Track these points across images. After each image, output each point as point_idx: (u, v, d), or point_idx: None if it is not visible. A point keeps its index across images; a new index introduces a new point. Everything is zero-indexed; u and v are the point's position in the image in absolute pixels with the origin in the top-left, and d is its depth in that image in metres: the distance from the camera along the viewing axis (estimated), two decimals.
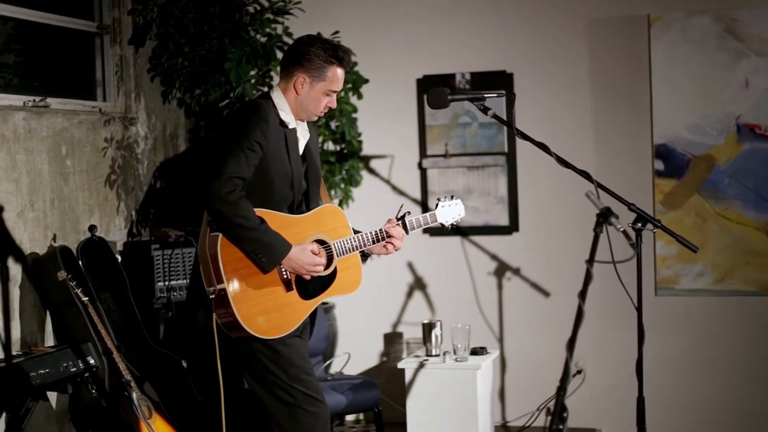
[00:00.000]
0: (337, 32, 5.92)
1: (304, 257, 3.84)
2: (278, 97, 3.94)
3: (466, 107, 5.99)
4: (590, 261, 2.85)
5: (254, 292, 3.81)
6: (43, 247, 4.85)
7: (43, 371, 4.26)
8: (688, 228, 5.64)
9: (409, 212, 4.18)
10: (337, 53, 3.93)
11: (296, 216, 3.95)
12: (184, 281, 5.37)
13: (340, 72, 3.95)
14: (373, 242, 4.07)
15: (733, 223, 5.64)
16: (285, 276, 3.86)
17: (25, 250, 4.75)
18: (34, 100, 4.96)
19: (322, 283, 3.95)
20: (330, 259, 3.95)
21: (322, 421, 3.95)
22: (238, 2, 5.82)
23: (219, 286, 3.75)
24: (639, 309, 3.86)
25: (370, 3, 6.22)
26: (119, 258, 5.28)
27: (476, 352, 5.52)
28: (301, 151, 3.99)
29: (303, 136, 4.01)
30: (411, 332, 6.17)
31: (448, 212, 4.29)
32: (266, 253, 3.76)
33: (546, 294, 5.99)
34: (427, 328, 5.53)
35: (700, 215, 5.68)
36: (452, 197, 4.33)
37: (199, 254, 3.89)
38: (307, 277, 3.88)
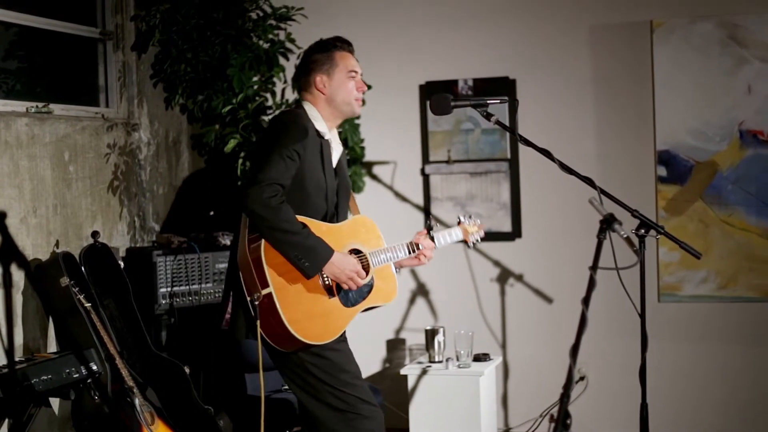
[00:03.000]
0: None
1: (347, 263, 3.79)
2: (309, 108, 3.94)
3: (469, 113, 5.99)
4: (593, 267, 2.85)
5: (299, 298, 3.74)
6: (46, 253, 4.85)
7: (45, 377, 4.25)
8: (691, 234, 5.63)
9: (438, 224, 4.19)
10: (333, 42, 3.99)
11: (333, 225, 3.91)
12: (187, 287, 5.37)
13: (346, 54, 3.98)
14: (407, 253, 4.08)
15: (736, 230, 5.63)
16: (327, 283, 3.81)
17: (27, 256, 4.75)
18: (37, 106, 4.97)
19: (361, 293, 3.91)
20: (366, 269, 3.92)
21: (379, 424, 3.88)
22: (241, 8, 5.82)
23: (264, 291, 3.68)
24: (642, 315, 3.85)
25: (372, 9, 6.22)
26: (122, 264, 5.28)
27: (479, 358, 5.51)
28: (334, 164, 3.97)
29: (336, 150, 3.99)
30: (414, 338, 6.16)
31: (471, 230, 4.33)
32: (310, 257, 3.69)
33: (549, 300, 5.98)
34: (430, 334, 5.53)
35: (703, 221, 5.68)
36: (470, 217, 4.38)
37: (239, 262, 3.81)
38: (345, 287, 3.82)
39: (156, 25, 5.63)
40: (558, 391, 2.73)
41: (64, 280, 4.55)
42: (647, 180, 5.77)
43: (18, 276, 4.66)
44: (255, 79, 5.84)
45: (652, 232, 3.84)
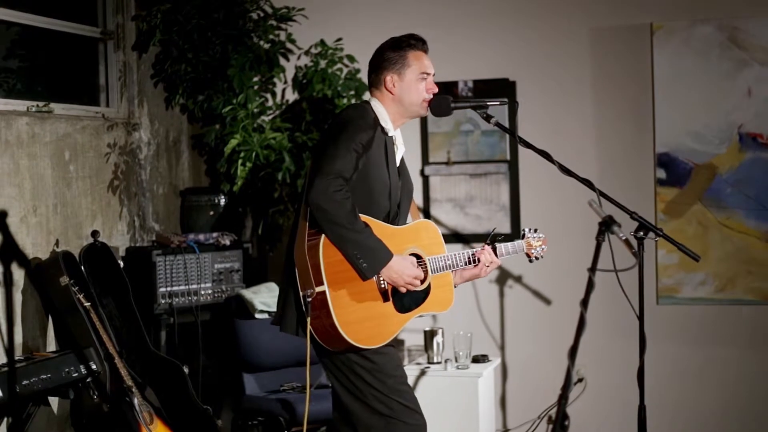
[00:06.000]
0: (340, 39, 5.94)
1: (405, 267, 3.74)
2: (376, 105, 3.92)
3: (469, 115, 5.99)
4: (592, 269, 2.85)
5: (352, 299, 3.70)
6: (46, 252, 4.86)
7: (44, 376, 4.26)
8: (689, 237, 5.63)
9: (501, 236, 4.12)
10: (408, 40, 3.95)
11: (395, 227, 3.86)
12: (186, 287, 5.37)
13: (420, 53, 3.95)
14: (466, 263, 3.98)
15: (734, 232, 5.64)
16: (382, 286, 3.76)
17: (27, 255, 4.76)
18: (37, 106, 4.98)
19: (416, 299, 3.85)
20: (424, 275, 3.86)
21: None
22: (242, 9, 5.83)
23: (318, 289, 3.64)
24: (640, 317, 3.86)
25: (372, 11, 6.22)
26: (121, 263, 5.29)
27: (478, 359, 5.51)
28: (397, 163, 3.94)
29: (400, 149, 3.97)
30: (412, 339, 6.16)
31: (534, 244, 4.18)
32: (368, 257, 3.64)
33: (548, 302, 5.99)
34: (429, 335, 5.53)
35: (701, 224, 5.68)
36: (535, 230, 4.19)
37: (296, 256, 3.76)
38: (403, 290, 3.77)
39: (157, 25, 5.64)
40: (557, 392, 2.73)
41: (64, 280, 4.56)
42: (646, 182, 5.78)
43: (18, 275, 4.66)
44: (255, 79, 5.85)
45: (651, 234, 3.85)
